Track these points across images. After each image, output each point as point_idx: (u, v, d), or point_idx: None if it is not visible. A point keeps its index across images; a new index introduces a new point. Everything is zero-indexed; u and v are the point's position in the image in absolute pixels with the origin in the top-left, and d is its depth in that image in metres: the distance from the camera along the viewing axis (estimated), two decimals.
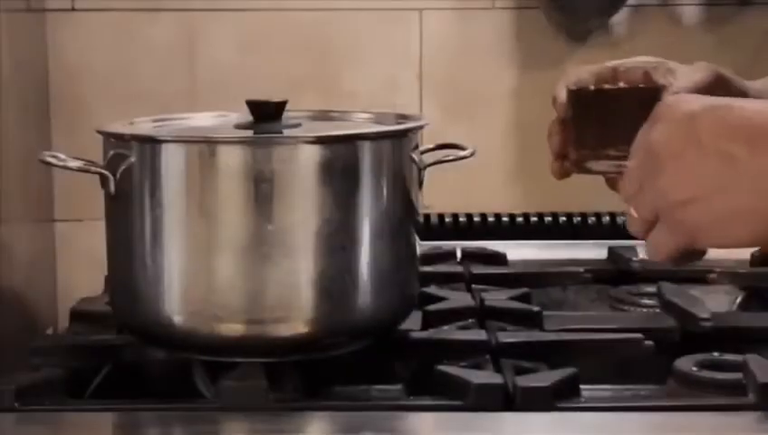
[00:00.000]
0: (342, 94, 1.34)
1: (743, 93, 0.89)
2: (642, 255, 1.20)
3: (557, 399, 0.80)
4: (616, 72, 0.91)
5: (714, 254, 1.22)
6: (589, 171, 0.92)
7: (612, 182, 0.92)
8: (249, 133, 0.88)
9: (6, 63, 1.16)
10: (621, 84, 0.90)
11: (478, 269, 1.16)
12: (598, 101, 0.91)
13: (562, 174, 0.91)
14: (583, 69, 0.93)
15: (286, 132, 0.87)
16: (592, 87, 0.91)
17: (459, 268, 1.17)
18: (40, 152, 0.86)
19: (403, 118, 0.93)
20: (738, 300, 1.15)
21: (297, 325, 0.83)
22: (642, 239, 0.71)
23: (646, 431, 0.78)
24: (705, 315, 0.96)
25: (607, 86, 0.91)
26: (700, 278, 1.14)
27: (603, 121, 0.90)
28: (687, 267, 1.17)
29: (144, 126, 0.92)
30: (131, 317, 0.87)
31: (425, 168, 0.90)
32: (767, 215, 0.62)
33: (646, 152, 0.67)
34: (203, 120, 0.97)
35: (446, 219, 1.33)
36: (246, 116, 0.90)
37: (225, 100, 1.35)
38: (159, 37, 1.36)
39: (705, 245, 0.69)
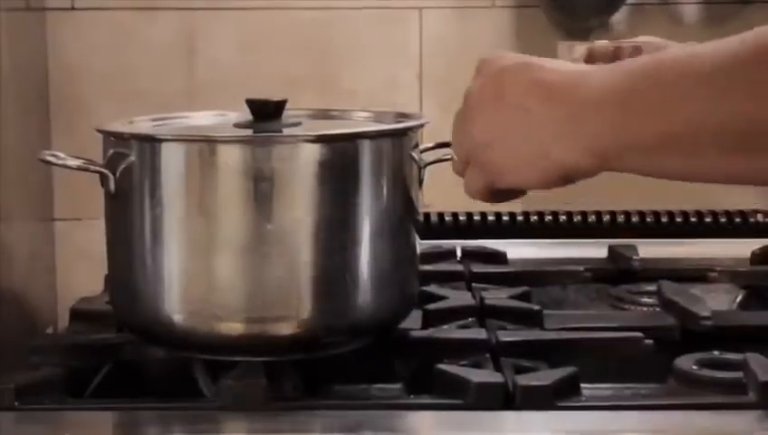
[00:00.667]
0: (342, 93, 1.34)
1: None
2: (642, 253, 1.20)
3: (557, 398, 0.80)
4: (610, 50, 0.93)
5: (713, 252, 1.23)
6: None
7: None
8: (249, 132, 0.87)
9: (6, 62, 1.16)
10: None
11: (478, 268, 1.16)
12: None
13: None
14: (580, 47, 0.94)
15: (286, 131, 0.87)
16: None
17: (459, 267, 1.17)
18: (39, 151, 0.86)
19: (403, 116, 0.93)
20: (738, 298, 1.15)
21: (297, 324, 0.83)
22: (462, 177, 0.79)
23: (646, 430, 0.78)
24: (705, 314, 0.96)
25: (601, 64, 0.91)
26: (700, 277, 1.14)
27: None
28: (687, 266, 1.18)
29: (143, 125, 0.92)
30: (131, 316, 0.87)
31: (425, 166, 0.90)
32: (553, 160, 0.71)
33: (464, 101, 0.77)
34: (202, 120, 0.97)
35: (446, 218, 1.33)
36: (246, 115, 0.90)
37: (225, 99, 1.35)
38: (159, 36, 1.36)
39: (505, 184, 0.76)
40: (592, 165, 0.70)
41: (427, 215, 1.30)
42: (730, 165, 0.64)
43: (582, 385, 0.82)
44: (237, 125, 0.89)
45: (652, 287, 1.09)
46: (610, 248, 1.24)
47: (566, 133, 0.70)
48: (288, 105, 0.90)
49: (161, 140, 0.83)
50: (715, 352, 0.89)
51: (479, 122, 0.75)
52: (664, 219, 1.32)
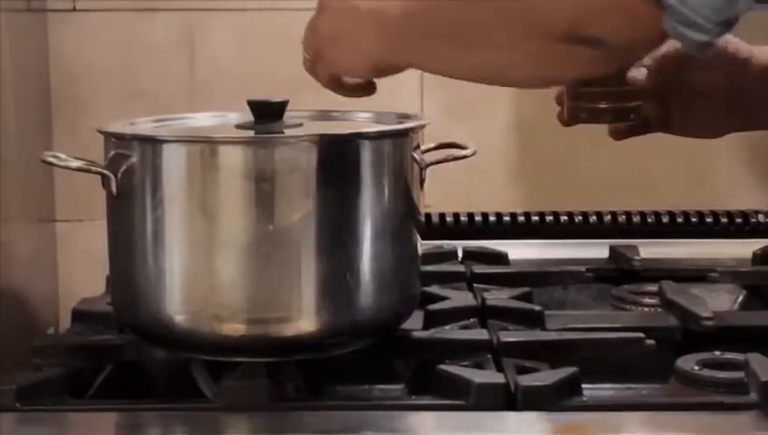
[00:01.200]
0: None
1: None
2: (644, 254, 1.20)
3: (559, 398, 0.80)
4: None
5: (714, 253, 1.23)
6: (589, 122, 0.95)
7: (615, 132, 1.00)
8: (250, 133, 0.87)
9: (7, 63, 1.16)
10: None
11: (480, 268, 1.16)
12: None
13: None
14: None
15: (287, 132, 0.87)
16: None
17: (461, 268, 1.17)
18: (41, 152, 0.86)
19: (404, 117, 0.93)
20: (740, 299, 1.15)
21: (298, 325, 0.83)
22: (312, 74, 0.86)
23: (647, 430, 0.78)
24: (706, 314, 0.96)
25: None
26: (702, 277, 1.14)
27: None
28: (689, 266, 1.18)
29: (145, 126, 0.92)
30: (133, 317, 0.87)
31: (426, 167, 0.90)
32: (377, 51, 0.79)
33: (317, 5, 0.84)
34: (203, 121, 0.97)
35: (448, 219, 1.33)
36: (247, 116, 0.90)
37: (226, 99, 1.35)
38: (160, 37, 1.36)
39: (344, 73, 0.85)
40: (393, 60, 0.81)
41: (428, 215, 1.30)
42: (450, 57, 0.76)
43: (584, 385, 0.82)
44: (239, 126, 0.89)
45: (653, 288, 1.09)
46: (612, 249, 1.24)
47: (376, 31, 0.78)
48: (289, 106, 0.90)
49: (162, 141, 0.83)
50: (717, 353, 0.89)
51: (323, 20, 0.83)
52: (665, 220, 1.32)
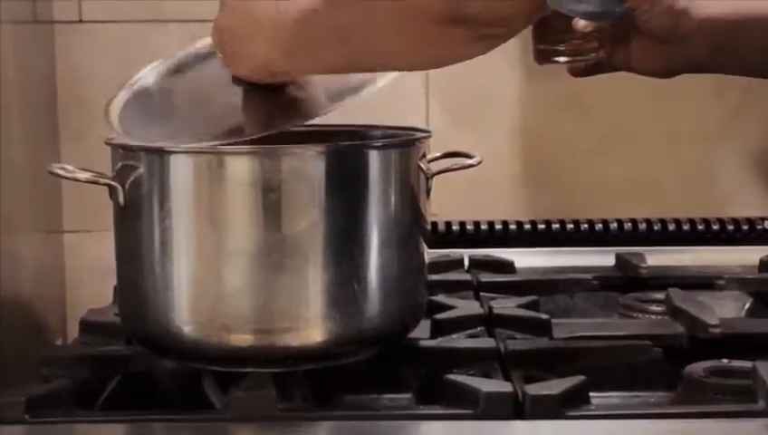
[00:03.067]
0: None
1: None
2: (650, 261, 1.20)
3: (566, 407, 0.80)
4: None
5: (721, 260, 1.23)
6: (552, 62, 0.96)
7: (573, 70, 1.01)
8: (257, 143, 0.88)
9: (14, 75, 1.17)
10: None
11: (486, 277, 1.16)
12: None
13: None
14: None
15: (293, 142, 0.88)
16: None
17: (467, 276, 1.17)
18: (48, 163, 0.87)
19: (410, 127, 0.93)
20: (747, 306, 1.15)
21: (306, 335, 0.83)
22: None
23: None
24: (713, 322, 0.96)
25: None
26: (709, 284, 1.14)
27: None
28: (695, 274, 1.18)
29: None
30: (141, 328, 0.87)
31: (432, 176, 0.90)
32: (269, 58, 0.81)
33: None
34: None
35: (454, 227, 1.33)
36: None
37: None
38: (167, 48, 1.35)
39: (244, 77, 0.85)
40: (279, 67, 0.81)
41: (434, 224, 1.30)
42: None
43: (591, 394, 0.82)
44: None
45: (660, 295, 1.09)
46: (618, 256, 1.24)
47: (268, 39, 0.80)
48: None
49: (170, 153, 0.83)
50: (724, 360, 0.89)
51: (222, 18, 0.86)
52: (671, 227, 1.32)
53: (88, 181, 0.85)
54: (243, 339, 0.83)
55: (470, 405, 0.80)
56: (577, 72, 1.02)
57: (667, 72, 0.97)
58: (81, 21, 1.35)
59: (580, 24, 0.90)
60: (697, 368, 0.87)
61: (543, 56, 0.97)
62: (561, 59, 0.96)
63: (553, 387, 0.81)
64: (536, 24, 0.94)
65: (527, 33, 1.37)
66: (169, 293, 0.84)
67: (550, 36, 0.95)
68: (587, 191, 1.38)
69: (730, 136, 1.39)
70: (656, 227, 1.32)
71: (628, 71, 0.99)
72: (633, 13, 0.91)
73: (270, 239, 0.82)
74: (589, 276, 1.17)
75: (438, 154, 0.93)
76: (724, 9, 0.90)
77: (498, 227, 1.34)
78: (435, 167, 0.91)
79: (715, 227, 1.32)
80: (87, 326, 1.03)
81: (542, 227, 1.33)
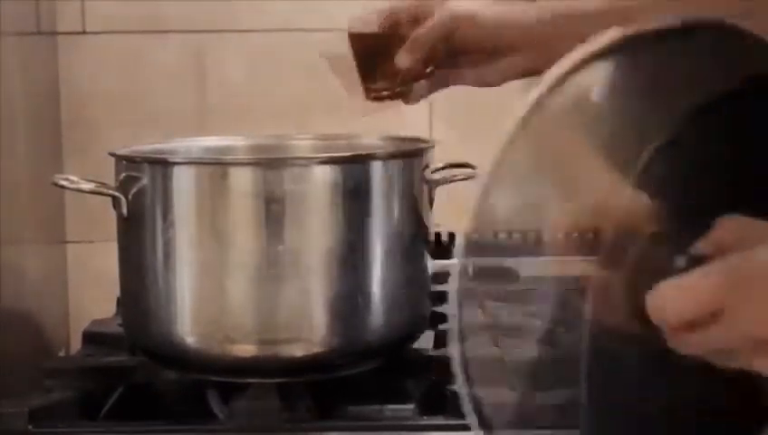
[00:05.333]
0: (352, 113, 1.34)
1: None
2: None
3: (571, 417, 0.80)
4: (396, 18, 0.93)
5: None
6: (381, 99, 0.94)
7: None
8: (260, 154, 0.88)
9: (18, 86, 1.17)
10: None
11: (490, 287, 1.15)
12: (375, 42, 0.92)
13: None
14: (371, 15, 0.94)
15: (297, 153, 0.88)
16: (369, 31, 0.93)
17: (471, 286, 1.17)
18: (52, 174, 0.87)
19: (413, 139, 0.93)
20: None
21: (309, 346, 0.83)
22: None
23: None
24: None
25: (378, 31, 0.92)
26: None
27: (383, 59, 0.91)
28: None
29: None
30: (144, 339, 0.87)
31: (435, 187, 0.90)
32: None
33: None
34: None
35: (457, 238, 1.33)
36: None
37: (235, 120, 1.36)
38: (169, 59, 1.36)
39: None
40: None
41: (437, 235, 1.30)
42: None
43: None
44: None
45: None
46: None
47: None
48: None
49: (173, 164, 0.84)
50: None
51: None
52: None
53: (91, 192, 0.85)
54: (246, 350, 0.83)
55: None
56: (412, 101, 1.00)
57: (499, 82, 0.96)
58: (84, 32, 1.35)
59: (402, 62, 0.89)
60: None
61: (372, 93, 0.96)
62: (385, 93, 0.95)
63: (558, 397, 0.81)
64: (361, 64, 0.93)
65: None
66: (172, 304, 0.84)
67: (377, 76, 0.94)
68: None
69: None
70: None
71: (462, 84, 0.98)
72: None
73: (273, 250, 0.82)
74: None
75: (441, 165, 0.93)
76: (542, 13, 0.90)
77: (502, 236, 1.33)
78: (438, 178, 0.91)
79: None
80: (90, 337, 1.03)
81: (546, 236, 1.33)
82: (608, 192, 0.59)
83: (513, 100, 1.47)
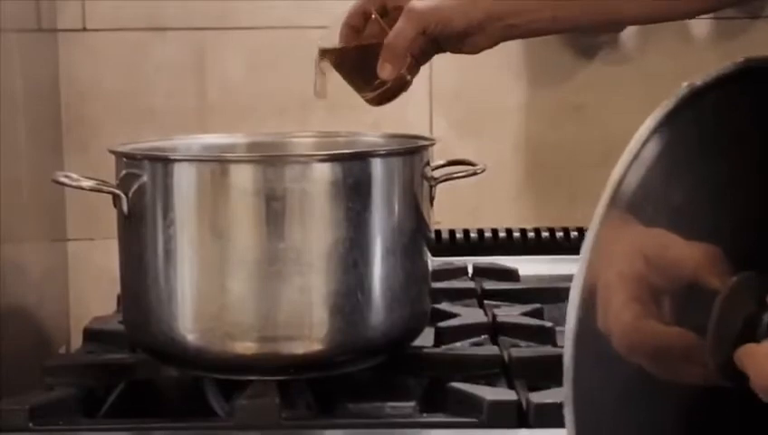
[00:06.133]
0: (353, 110, 1.34)
1: None
2: None
3: None
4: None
5: None
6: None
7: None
8: (261, 152, 0.88)
9: (18, 83, 1.17)
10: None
11: (490, 285, 1.16)
12: (349, 56, 0.92)
13: None
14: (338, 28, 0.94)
15: (297, 151, 0.88)
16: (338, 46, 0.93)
17: (471, 284, 1.17)
18: (52, 171, 0.87)
19: (413, 136, 0.93)
20: None
21: (310, 343, 0.83)
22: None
23: None
24: None
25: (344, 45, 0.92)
26: None
27: (365, 70, 0.91)
28: None
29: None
30: (144, 336, 0.87)
31: (436, 184, 0.90)
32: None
33: None
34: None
35: (458, 235, 1.33)
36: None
37: (236, 117, 1.36)
38: (170, 56, 1.36)
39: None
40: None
41: (438, 232, 1.30)
42: None
43: None
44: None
45: None
46: None
47: None
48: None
49: (173, 161, 0.83)
50: None
51: None
52: None
53: (92, 189, 0.85)
54: (246, 347, 0.83)
55: (474, 413, 0.80)
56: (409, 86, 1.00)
57: (480, 51, 0.96)
58: (84, 29, 1.35)
59: (386, 74, 0.89)
60: None
61: (372, 101, 0.96)
62: (385, 96, 0.95)
63: (558, 395, 0.81)
64: (348, 79, 0.94)
65: (527, 46, 1.38)
66: (173, 301, 0.84)
67: (366, 88, 0.94)
68: (590, 199, 1.38)
69: None
70: None
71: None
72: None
73: (274, 248, 0.82)
74: None
75: (442, 162, 0.93)
76: None
77: (502, 234, 1.33)
78: (438, 175, 0.91)
79: None
80: (91, 334, 1.03)
81: (545, 234, 1.33)
82: (666, 246, 0.57)
83: (514, 101, 1.48)
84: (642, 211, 0.56)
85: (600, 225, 0.55)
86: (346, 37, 0.92)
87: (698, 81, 0.55)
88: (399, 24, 0.87)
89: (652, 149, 0.56)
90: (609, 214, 0.55)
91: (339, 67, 0.93)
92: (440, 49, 0.93)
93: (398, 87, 0.92)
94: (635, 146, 0.55)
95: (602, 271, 0.56)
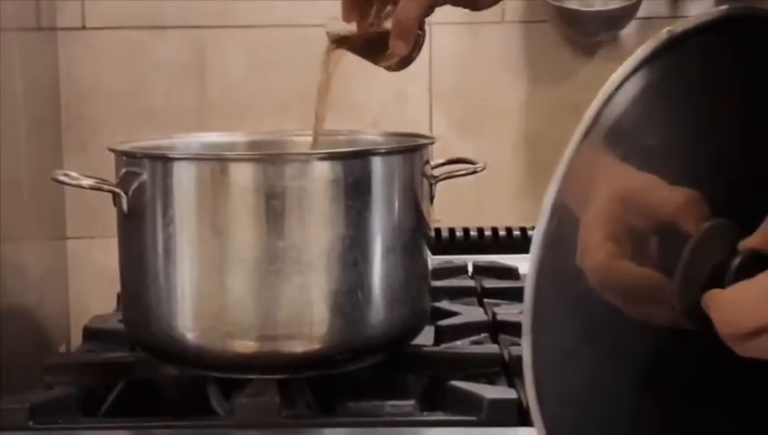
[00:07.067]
0: (353, 108, 1.35)
1: None
2: None
3: None
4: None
5: None
6: None
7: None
8: (260, 150, 0.88)
9: (18, 81, 1.17)
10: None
11: (490, 283, 1.16)
12: (358, 41, 0.92)
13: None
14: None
15: (297, 149, 0.88)
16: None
17: (471, 282, 1.17)
18: (52, 170, 0.87)
19: (413, 134, 0.93)
20: None
21: (310, 341, 0.83)
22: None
23: None
24: None
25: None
26: None
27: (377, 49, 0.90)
28: None
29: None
30: (144, 334, 0.87)
31: (436, 182, 0.90)
32: None
33: None
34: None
35: (458, 233, 1.33)
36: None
37: (235, 116, 1.36)
38: (170, 55, 1.36)
39: None
40: None
41: (438, 230, 1.30)
42: None
43: None
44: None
45: None
46: None
47: None
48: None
49: (173, 159, 0.83)
50: None
51: None
52: None
53: (92, 188, 0.85)
54: (246, 346, 0.83)
55: (474, 412, 0.80)
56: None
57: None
58: (84, 28, 1.35)
59: (398, 50, 0.88)
60: None
61: (390, 69, 0.95)
62: (402, 61, 0.94)
63: None
64: (362, 56, 0.92)
65: (527, 44, 1.38)
66: (173, 299, 0.84)
67: (381, 60, 0.94)
68: None
69: None
70: None
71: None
72: None
73: (273, 246, 0.82)
74: None
75: (442, 161, 0.93)
76: None
77: (502, 233, 1.33)
78: (438, 173, 0.91)
79: None
80: (91, 333, 1.03)
81: None
82: (649, 188, 0.58)
83: (514, 99, 1.48)
84: (618, 149, 0.57)
85: (573, 154, 0.56)
86: (347, 13, 0.91)
87: (678, 27, 0.56)
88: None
89: (630, 90, 0.56)
90: (582, 148, 0.55)
91: (352, 49, 0.92)
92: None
93: (414, 49, 0.91)
94: (610, 86, 0.56)
95: (573, 203, 0.57)
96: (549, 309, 0.57)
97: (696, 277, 0.57)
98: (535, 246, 0.56)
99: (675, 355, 0.60)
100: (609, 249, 0.57)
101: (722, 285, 0.56)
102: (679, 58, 0.57)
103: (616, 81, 0.56)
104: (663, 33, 0.56)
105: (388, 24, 0.89)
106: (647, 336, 0.60)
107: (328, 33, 0.91)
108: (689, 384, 0.61)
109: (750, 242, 0.56)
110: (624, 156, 0.57)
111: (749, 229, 0.57)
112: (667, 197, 0.57)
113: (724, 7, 0.57)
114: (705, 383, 0.61)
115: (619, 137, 0.57)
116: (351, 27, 0.91)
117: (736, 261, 0.56)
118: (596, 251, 0.57)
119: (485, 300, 1.11)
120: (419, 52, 0.91)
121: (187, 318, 0.84)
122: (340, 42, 0.91)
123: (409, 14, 0.86)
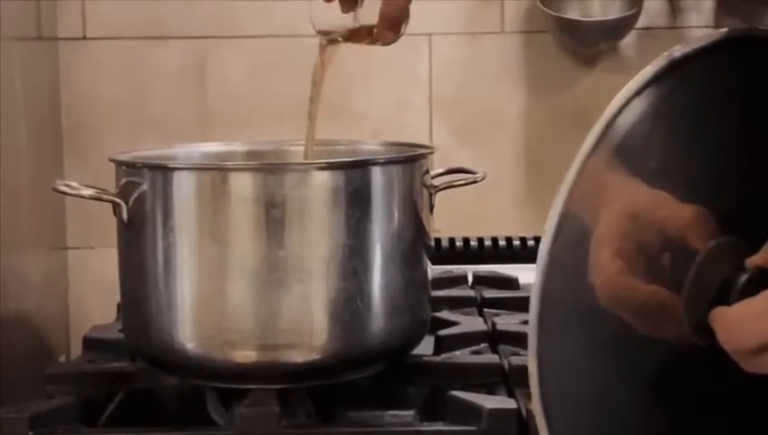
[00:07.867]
0: (354, 117, 1.35)
1: None
2: None
3: None
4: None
5: None
6: None
7: None
8: (260, 160, 0.88)
9: (19, 91, 1.17)
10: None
11: (490, 293, 1.16)
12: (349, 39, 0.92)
13: None
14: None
15: (297, 159, 0.88)
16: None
17: (471, 292, 1.17)
18: (52, 179, 0.87)
19: (412, 146, 0.93)
20: None
21: (310, 351, 0.83)
22: None
23: None
24: None
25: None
26: None
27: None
28: None
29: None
30: (144, 344, 0.87)
31: (436, 192, 0.90)
32: None
33: None
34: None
35: (457, 243, 1.33)
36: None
37: (236, 125, 1.36)
38: (170, 64, 1.36)
39: None
40: None
41: (438, 240, 1.30)
42: None
43: None
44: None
45: None
46: None
47: None
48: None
49: (173, 169, 0.84)
50: None
51: None
52: None
53: (92, 198, 0.85)
54: (246, 355, 0.83)
55: (474, 422, 0.80)
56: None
57: None
58: (84, 38, 1.35)
59: (387, 40, 0.88)
60: None
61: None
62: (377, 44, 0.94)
63: None
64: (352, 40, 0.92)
65: (527, 54, 1.38)
66: (173, 309, 0.84)
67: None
68: None
69: None
70: None
71: None
72: None
73: (273, 255, 0.82)
74: None
75: (441, 170, 0.93)
76: None
77: (502, 243, 1.33)
78: (438, 183, 0.91)
79: None
80: (91, 343, 1.03)
81: None
82: (657, 204, 0.58)
83: (514, 109, 1.49)
84: (625, 165, 0.57)
85: (577, 174, 0.56)
86: (345, 6, 0.91)
87: (679, 51, 0.57)
88: None
89: (635, 110, 0.57)
90: (588, 164, 0.56)
91: (345, 41, 0.93)
92: None
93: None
94: (614, 107, 0.57)
95: (581, 218, 0.58)
96: (555, 324, 0.58)
97: (702, 294, 0.57)
98: (541, 261, 0.56)
99: (683, 370, 0.61)
100: (618, 266, 0.57)
101: (728, 302, 0.56)
102: (682, 79, 0.57)
103: (620, 101, 0.56)
104: (663, 58, 0.56)
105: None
106: (655, 350, 0.60)
107: (319, 32, 0.91)
108: (697, 399, 0.61)
109: (756, 259, 0.57)
110: (631, 173, 0.57)
111: (756, 247, 0.57)
112: (674, 213, 0.57)
113: (724, 30, 0.58)
114: (713, 397, 0.61)
115: (624, 155, 0.57)
116: (338, 19, 0.91)
117: (743, 278, 0.57)
118: (605, 268, 0.57)
119: (485, 310, 1.11)
120: (406, 27, 0.91)
121: (187, 328, 0.84)
122: (332, 40, 0.91)
123: (395, 7, 0.85)
